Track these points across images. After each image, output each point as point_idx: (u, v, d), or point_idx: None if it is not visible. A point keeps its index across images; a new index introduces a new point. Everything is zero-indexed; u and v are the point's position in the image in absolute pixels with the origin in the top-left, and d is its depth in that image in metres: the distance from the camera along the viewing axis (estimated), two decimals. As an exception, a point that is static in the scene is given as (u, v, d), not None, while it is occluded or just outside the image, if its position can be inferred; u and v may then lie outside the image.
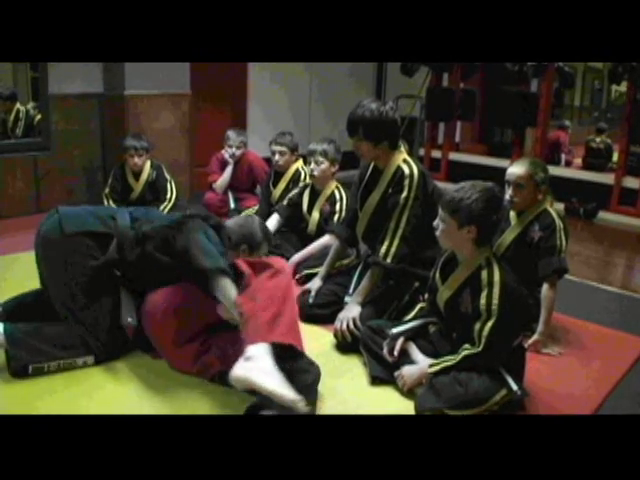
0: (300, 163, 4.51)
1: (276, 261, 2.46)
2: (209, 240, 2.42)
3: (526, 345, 2.80)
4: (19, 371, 2.42)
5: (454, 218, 2.33)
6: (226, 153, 5.02)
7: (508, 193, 3.00)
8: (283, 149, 4.42)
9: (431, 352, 2.50)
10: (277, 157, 4.44)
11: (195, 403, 2.36)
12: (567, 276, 3.08)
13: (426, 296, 2.70)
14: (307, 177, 4.28)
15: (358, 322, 2.81)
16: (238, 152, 5.00)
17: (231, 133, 5.06)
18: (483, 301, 2.29)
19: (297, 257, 3.86)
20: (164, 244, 2.49)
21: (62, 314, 2.56)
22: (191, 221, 2.48)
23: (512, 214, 3.09)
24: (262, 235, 2.74)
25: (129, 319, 2.50)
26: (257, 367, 2.07)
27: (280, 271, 2.37)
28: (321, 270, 3.34)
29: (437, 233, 2.43)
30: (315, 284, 3.26)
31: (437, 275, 2.54)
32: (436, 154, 7.42)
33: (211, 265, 2.30)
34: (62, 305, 2.55)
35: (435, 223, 2.44)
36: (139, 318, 2.54)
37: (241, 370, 2.09)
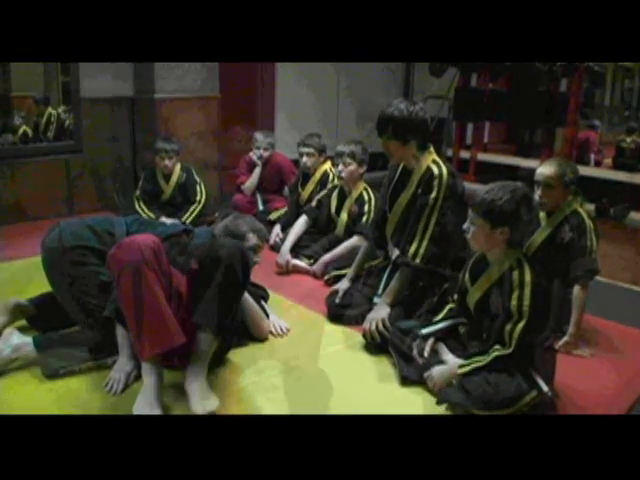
0: (328, 164, 4.52)
1: (129, 250, 2.23)
2: None
3: (557, 346, 2.78)
4: (51, 375, 2.47)
5: (486, 220, 2.33)
6: (254, 155, 5.05)
7: (537, 194, 2.98)
8: (311, 151, 4.44)
9: (461, 353, 2.50)
10: (305, 159, 4.46)
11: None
12: (598, 277, 3.05)
13: (455, 297, 2.69)
14: (335, 178, 4.29)
15: (387, 323, 2.81)
16: (266, 154, 5.01)
17: (258, 135, 5.08)
18: (514, 302, 2.29)
19: (326, 258, 3.87)
20: None
21: (76, 320, 2.63)
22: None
23: (542, 215, 3.08)
24: (247, 227, 2.78)
25: None
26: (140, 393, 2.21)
27: (128, 264, 2.20)
28: (349, 271, 3.35)
29: (468, 236, 2.43)
30: (343, 285, 3.27)
31: (466, 276, 2.54)
32: (464, 155, 7.37)
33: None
34: (73, 312, 2.63)
35: (465, 226, 2.43)
36: None
37: None
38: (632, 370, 2.82)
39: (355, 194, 3.99)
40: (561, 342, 2.88)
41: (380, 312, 2.86)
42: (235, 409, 2.33)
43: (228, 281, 2.28)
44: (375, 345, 2.84)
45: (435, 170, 2.88)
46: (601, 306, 3.40)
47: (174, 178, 4.83)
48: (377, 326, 2.81)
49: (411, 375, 2.57)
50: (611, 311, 3.45)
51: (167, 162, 4.71)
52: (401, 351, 2.63)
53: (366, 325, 2.87)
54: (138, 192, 4.85)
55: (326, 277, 3.74)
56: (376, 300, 3.04)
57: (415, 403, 2.45)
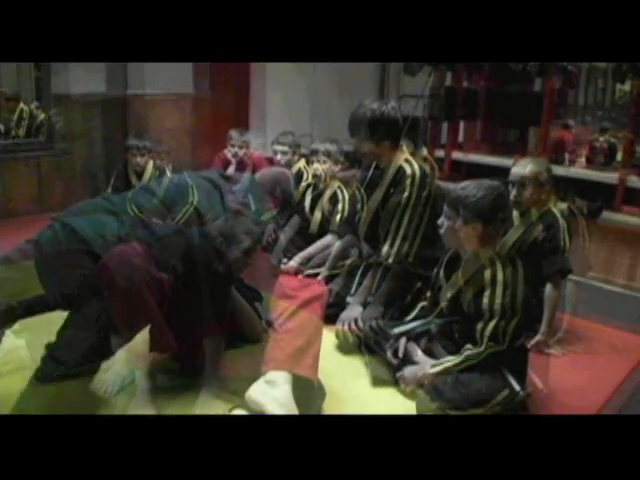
0: (302, 163, 4.50)
1: (317, 287, 2.53)
2: None
3: (529, 345, 2.78)
4: (44, 380, 2.45)
5: (479, 220, 2.33)
6: (228, 153, 5.01)
7: (512, 193, 2.98)
8: (285, 149, 4.42)
9: (454, 351, 2.46)
10: (279, 157, 4.43)
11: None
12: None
13: (429, 295, 2.68)
14: (310, 177, 4.27)
15: (360, 322, 2.79)
16: (240, 152, 4.98)
17: (233, 132, 5.04)
18: (486, 300, 2.30)
19: (299, 257, 3.84)
20: None
21: (69, 322, 2.58)
22: None
23: (515, 214, 3.08)
24: (241, 229, 2.74)
25: None
26: (274, 395, 2.12)
27: (319, 297, 2.47)
28: (323, 270, 3.34)
29: (441, 231, 2.43)
30: (336, 285, 3.22)
31: (441, 273, 2.53)
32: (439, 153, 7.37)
33: None
34: (66, 315, 2.57)
35: (440, 221, 2.43)
36: None
37: (258, 395, 2.13)
38: (608, 368, 2.84)
39: (329, 192, 3.97)
40: (533, 341, 2.88)
41: (353, 312, 2.85)
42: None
43: (213, 283, 2.30)
44: (348, 345, 2.81)
45: (407, 169, 2.86)
46: (586, 307, 3.41)
47: (146, 176, 4.76)
48: (350, 325, 2.80)
49: (383, 375, 2.55)
50: (599, 312, 3.45)
51: (139, 159, 4.65)
52: (375, 350, 2.62)
53: (339, 325, 2.85)
54: (109, 190, 4.78)
55: (300, 276, 3.71)
56: (350, 299, 3.02)
57: (388, 403, 2.43)
